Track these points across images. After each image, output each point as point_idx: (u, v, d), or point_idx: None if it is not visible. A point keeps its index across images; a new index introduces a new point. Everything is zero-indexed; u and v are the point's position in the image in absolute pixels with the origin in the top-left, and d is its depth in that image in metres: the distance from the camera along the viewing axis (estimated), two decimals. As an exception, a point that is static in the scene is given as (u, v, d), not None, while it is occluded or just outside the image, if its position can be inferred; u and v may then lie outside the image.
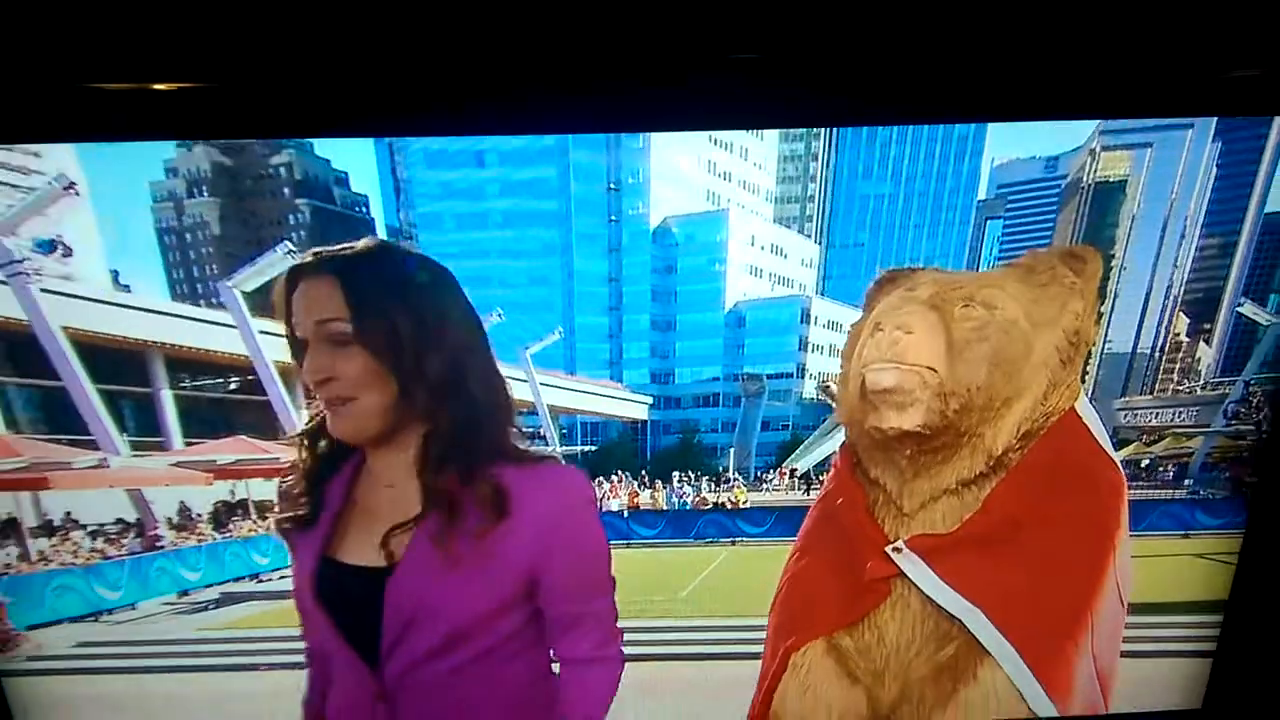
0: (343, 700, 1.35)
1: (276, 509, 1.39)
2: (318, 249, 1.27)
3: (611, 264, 39.76)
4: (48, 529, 12.55)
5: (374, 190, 42.53)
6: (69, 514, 13.09)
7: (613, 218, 39.24)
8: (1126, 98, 1.58)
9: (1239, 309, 27.06)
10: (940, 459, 1.73)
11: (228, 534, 13.40)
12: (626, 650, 1.47)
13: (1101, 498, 1.69)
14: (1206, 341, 33.06)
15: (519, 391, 23.27)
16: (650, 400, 35.48)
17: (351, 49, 1.40)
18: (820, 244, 49.89)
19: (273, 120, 1.53)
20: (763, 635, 1.98)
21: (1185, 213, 44.59)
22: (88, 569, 10.16)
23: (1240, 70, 1.48)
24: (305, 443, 1.35)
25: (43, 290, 12.80)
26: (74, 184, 13.00)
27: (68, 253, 11.09)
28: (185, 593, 10.77)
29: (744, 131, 43.62)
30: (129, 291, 19.51)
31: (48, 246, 10.99)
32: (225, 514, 14.69)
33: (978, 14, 1.45)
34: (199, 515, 14.10)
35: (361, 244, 1.26)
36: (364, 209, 41.89)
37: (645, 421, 34.68)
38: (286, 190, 40.14)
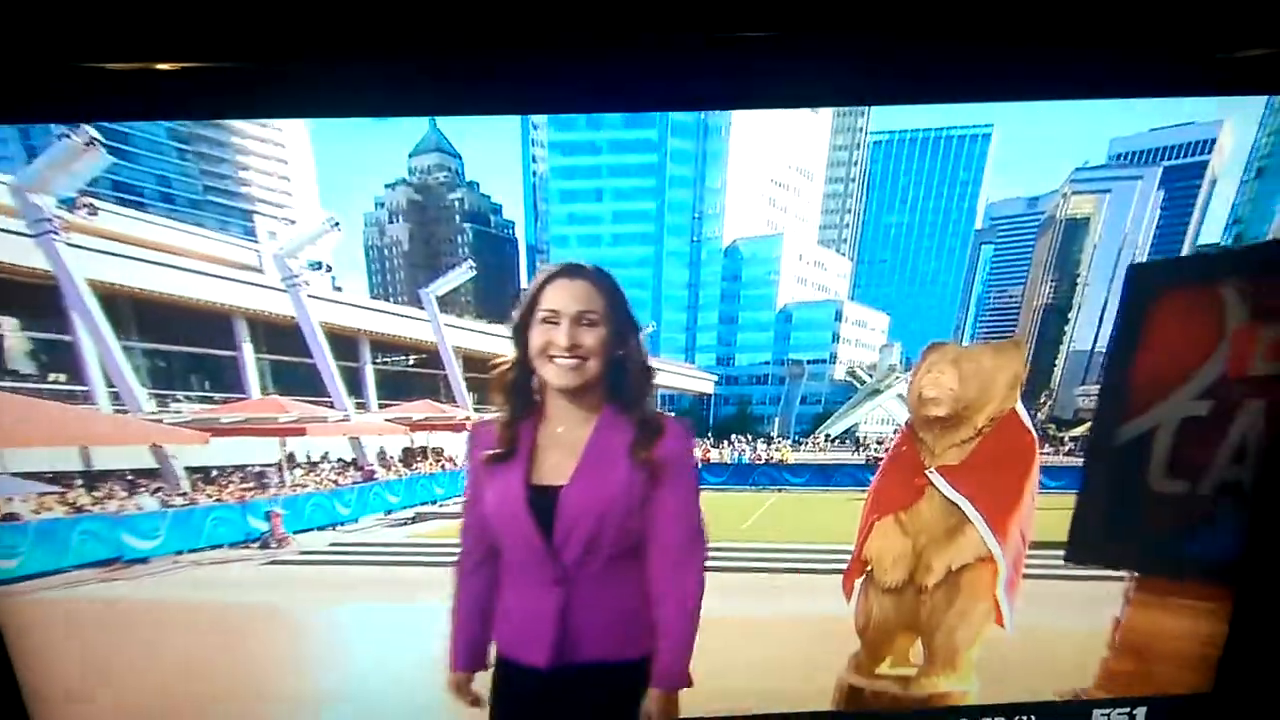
0: (525, 588, 1.36)
1: (487, 450, 1.39)
2: (570, 262, 1.36)
3: (691, 274, 39.66)
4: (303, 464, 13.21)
5: (519, 218, 42.70)
6: (307, 454, 13.54)
7: (694, 239, 39.25)
8: (1136, 78, 1.32)
9: None
10: (951, 430, 2.44)
11: (416, 470, 13.92)
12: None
13: (1025, 449, 2.40)
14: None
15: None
16: (716, 378, 35.28)
17: (373, 29, 1.14)
18: (852, 260, 49.27)
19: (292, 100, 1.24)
20: (800, 556, 2.72)
21: (1135, 244, 43.19)
22: (330, 494, 10.70)
23: (1247, 50, 1.24)
24: (509, 401, 1.39)
25: (310, 296, 14.01)
26: (339, 223, 14.13)
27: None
28: (389, 512, 11.19)
29: (798, 174, 43.25)
30: (340, 291, 19.72)
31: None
32: (411, 457, 15.20)
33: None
34: (392, 457, 14.61)
35: (590, 265, 1.36)
36: (511, 231, 42.40)
37: (711, 395, 34.41)
38: (457, 218, 40.82)
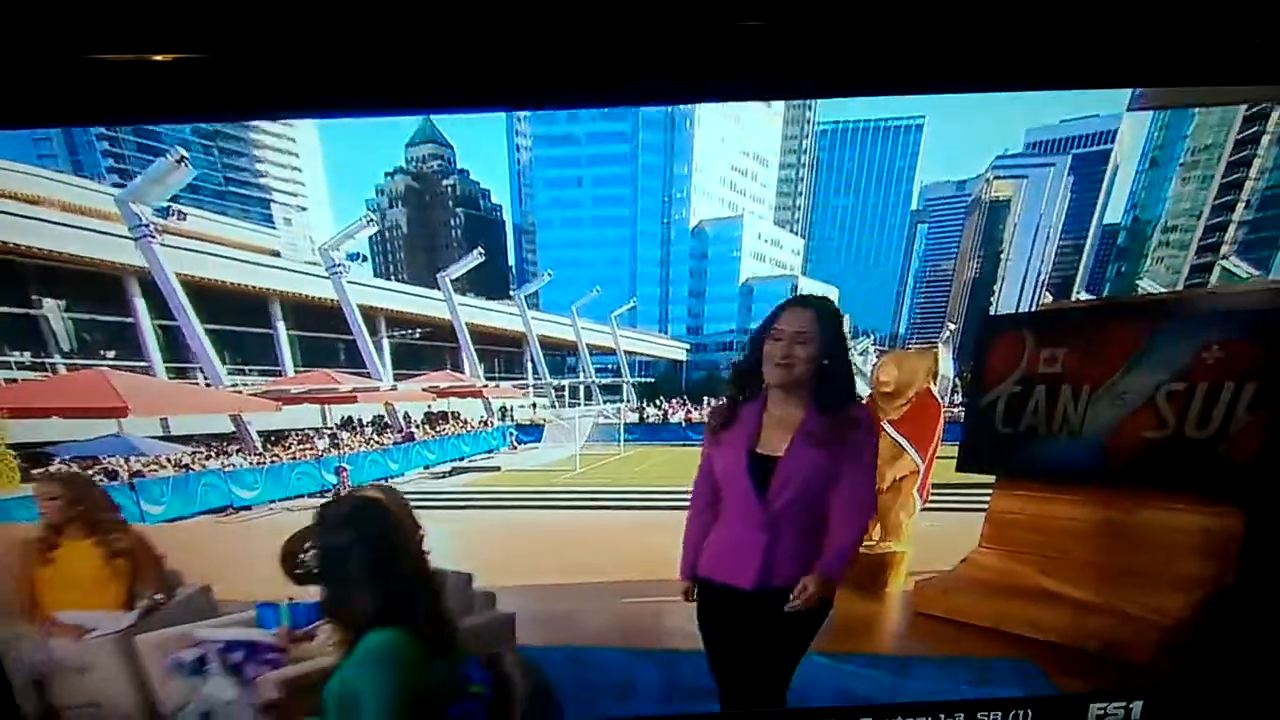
0: (740, 529, 1.55)
1: (711, 419, 1.64)
2: (802, 294, 1.59)
3: (663, 252, 40.47)
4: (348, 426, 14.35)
5: (506, 202, 43.08)
6: (349, 418, 14.71)
7: (664, 220, 40.01)
8: (1142, 68, 1.15)
9: (1075, 299, 28.11)
10: (894, 399, 3.42)
11: (441, 433, 14.46)
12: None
13: (934, 410, 3.38)
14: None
15: (598, 338, 24.80)
16: (688, 347, 36.13)
17: (364, 25, 1.01)
18: (805, 238, 50.20)
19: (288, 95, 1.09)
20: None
21: (1049, 224, 45.38)
22: (382, 452, 11.63)
23: (1260, 38, 1.07)
24: (740, 388, 1.58)
25: (349, 282, 14.63)
26: (374, 218, 14.84)
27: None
28: (428, 466, 12.00)
29: (755, 161, 44.16)
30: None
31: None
32: (433, 420, 15.91)
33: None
34: (417, 421, 15.22)
35: (818, 297, 1.52)
36: (499, 214, 43.31)
37: (683, 361, 35.43)
38: (450, 202, 41.40)
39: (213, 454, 9.97)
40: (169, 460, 9.14)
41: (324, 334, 18.22)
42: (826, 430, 1.47)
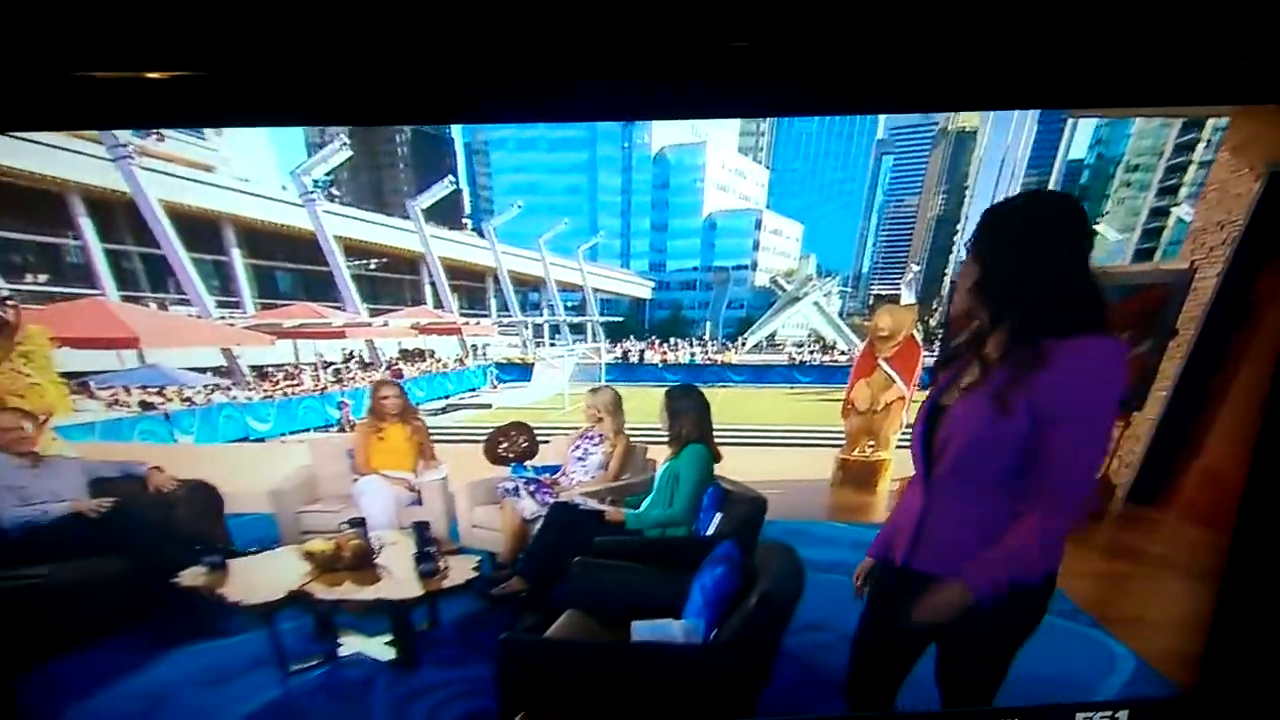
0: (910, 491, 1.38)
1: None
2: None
3: (624, 180, 40.54)
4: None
5: None
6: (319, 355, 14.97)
7: (625, 145, 40.01)
8: (1131, 88, 1.18)
9: None
10: (887, 341, 4.72)
11: (423, 371, 15.44)
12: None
13: (916, 351, 4.74)
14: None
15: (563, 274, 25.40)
16: (654, 283, 36.98)
17: (352, 38, 1.06)
18: (769, 168, 50.44)
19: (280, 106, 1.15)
20: (744, 436, 5.74)
21: (1014, 159, 46.76)
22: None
23: (1247, 60, 1.12)
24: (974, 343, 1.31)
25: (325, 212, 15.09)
26: (347, 142, 14.81)
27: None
28: (418, 405, 11.88)
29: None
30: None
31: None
32: (408, 358, 16.65)
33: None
34: (394, 357, 16.26)
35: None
36: (449, 133, 42.55)
37: (646, 300, 36.19)
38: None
39: (222, 388, 10.91)
40: (185, 391, 10.05)
41: (284, 264, 18.56)
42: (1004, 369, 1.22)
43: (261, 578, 2.29)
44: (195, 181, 14.58)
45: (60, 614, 2.31)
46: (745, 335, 27.74)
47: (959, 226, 56.66)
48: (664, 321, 35.44)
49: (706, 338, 29.86)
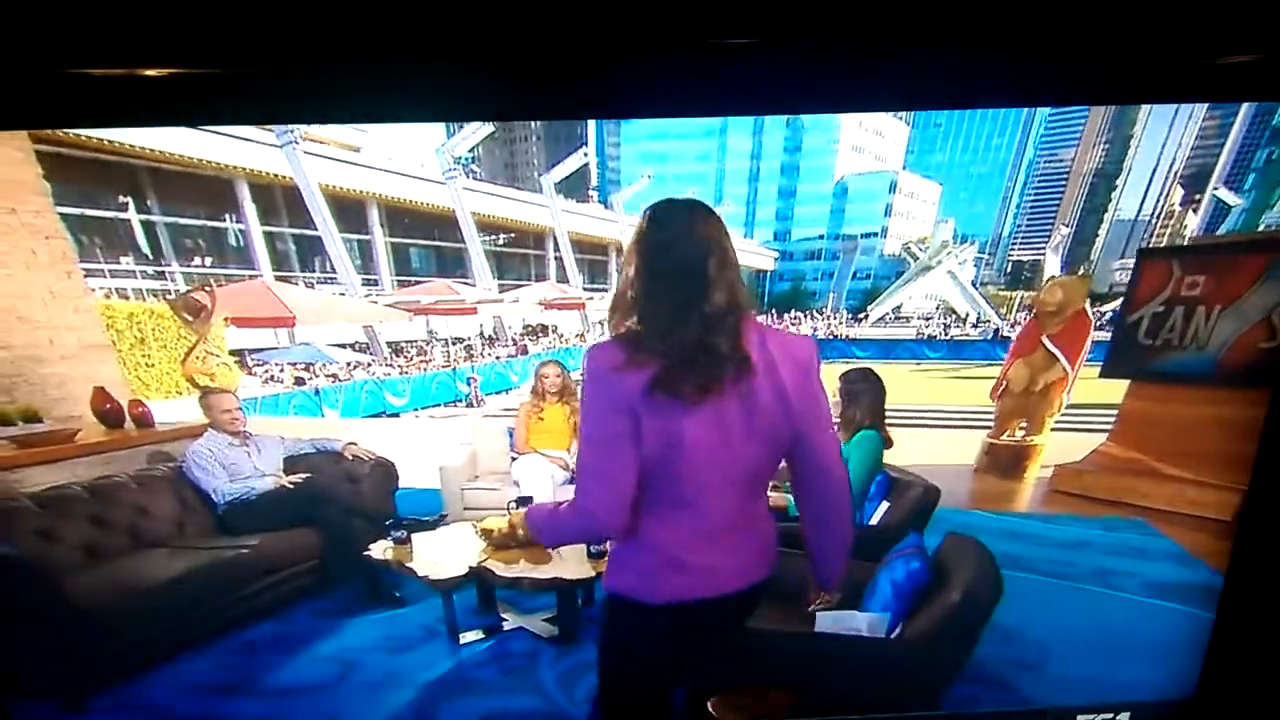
0: None
1: None
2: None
3: (754, 145, 39.37)
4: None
5: None
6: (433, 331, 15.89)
7: None
8: (1117, 84, 1.10)
9: (1215, 192, 26.73)
10: (1054, 317, 4.45)
11: (547, 347, 15.70)
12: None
13: (1086, 327, 4.99)
14: (1194, 211, 30.67)
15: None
16: (776, 254, 35.37)
17: (348, 34, 0.98)
18: (909, 125, 47.46)
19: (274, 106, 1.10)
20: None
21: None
22: (506, 363, 13.00)
23: (1236, 56, 1.04)
24: None
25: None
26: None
27: None
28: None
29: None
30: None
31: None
32: (532, 333, 17.18)
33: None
34: (520, 334, 16.61)
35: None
36: None
37: (767, 271, 34.67)
38: None
39: (363, 364, 11.69)
40: (329, 368, 10.81)
41: (419, 241, 19.40)
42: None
43: (443, 553, 2.39)
44: (347, 163, 15.46)
45: (265, 582, 2.48)
46: (870, 307, 26.65)
47: (1118, 182, 50.96)
48: (784, 294, 34.69)
49: (829, 310, 28.76)
